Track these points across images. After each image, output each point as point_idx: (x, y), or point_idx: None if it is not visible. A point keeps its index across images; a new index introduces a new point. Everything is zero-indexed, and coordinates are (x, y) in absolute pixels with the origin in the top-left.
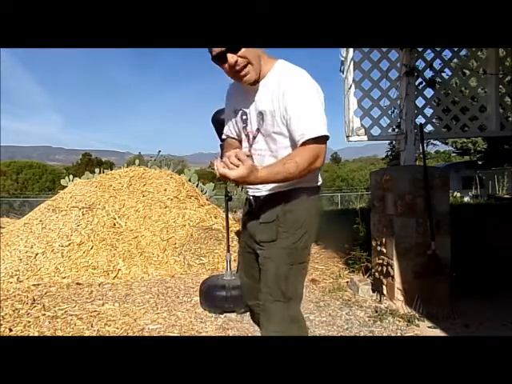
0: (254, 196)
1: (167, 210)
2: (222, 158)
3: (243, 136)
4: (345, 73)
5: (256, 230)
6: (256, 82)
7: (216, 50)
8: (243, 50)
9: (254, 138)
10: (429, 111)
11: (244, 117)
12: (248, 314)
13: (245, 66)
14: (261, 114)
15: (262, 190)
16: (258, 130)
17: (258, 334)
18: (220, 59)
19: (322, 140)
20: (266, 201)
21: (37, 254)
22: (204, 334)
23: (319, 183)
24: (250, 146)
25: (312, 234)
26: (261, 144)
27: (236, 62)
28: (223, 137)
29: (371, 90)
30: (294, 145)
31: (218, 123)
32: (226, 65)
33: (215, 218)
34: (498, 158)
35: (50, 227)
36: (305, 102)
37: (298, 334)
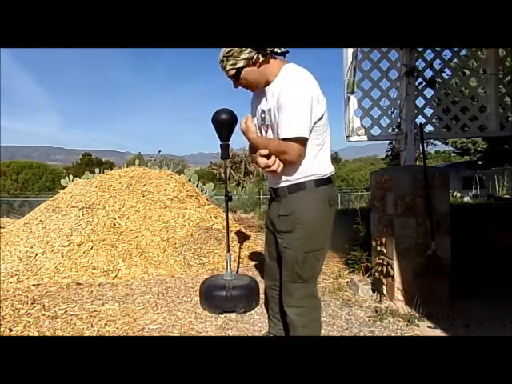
0: (272, 188)
1: (167, 210)
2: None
3: (262, 130)
4: (345, 73)
5: (276, 220)
6: (265, 85)
7: (228, 74)
8: (243, 74)
9: (266, 132)
10: (429, 111)
11: (262, 115)
12: (248, 314)
13: (249, 84)
14: (269, 111)
15: (278, 183)
16: (267, 126)
17: (258, 334)
18: (232, 80)
19: (296, 139)
20: (285, 192)
21: (37, 254)
22: (204, 334)
23: (329, 173)
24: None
25: (326, 220)
26: (269, 136)
27: (240, 85)
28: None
29: (371, 90)
30: None
31: (218, 123)
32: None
33: (215, 218)
34: (498, 158)
35: (50, 227)
36: (290, 105)
37: (312, 307)
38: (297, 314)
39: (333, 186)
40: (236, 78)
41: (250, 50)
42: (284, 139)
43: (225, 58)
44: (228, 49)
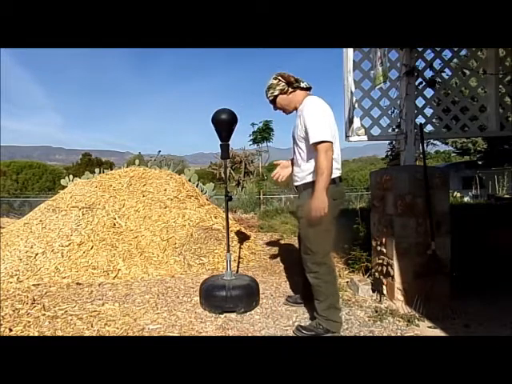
0: (295, 185)
1: (167, 210)
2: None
3: (296, 141)
4: (345, 73)
5: (297, 209)
6: (295, 110)
7: (269, 100)
8: (277, 100)
9: (294, 141)
10: (429, 111)
11: (293, 130)
12: (248, 313)
13: (283, 108)
14: (295, 128)
15: (298, 182)
16: (293, 137)
17: (258, 334)
18: (272, 105)
19: (324, 141)
20: (301, 189)
21: (37, 254)
22: (204, 334)
23: (335, 175)
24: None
25: (329, 210)
26: (295, 146)
27: (276, 108)
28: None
29: (371, 90)
30: (307, 145)
31: (218, 123)
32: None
33: (215, 217)
34: (497, 158)
35: (50, 227)
36: (311, 119)
37: (322, 272)
38: (312, 277)
39: (337, 186)
40: (274, 103)
41: (283, 83)
42: (314, 143)
43: (267, 89)
44: (269, 83)
